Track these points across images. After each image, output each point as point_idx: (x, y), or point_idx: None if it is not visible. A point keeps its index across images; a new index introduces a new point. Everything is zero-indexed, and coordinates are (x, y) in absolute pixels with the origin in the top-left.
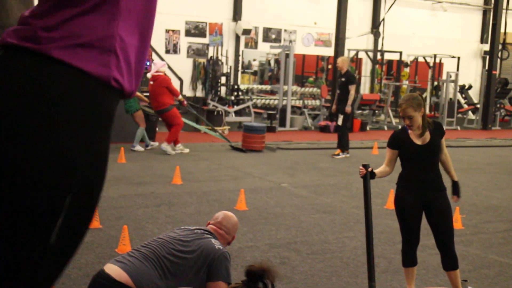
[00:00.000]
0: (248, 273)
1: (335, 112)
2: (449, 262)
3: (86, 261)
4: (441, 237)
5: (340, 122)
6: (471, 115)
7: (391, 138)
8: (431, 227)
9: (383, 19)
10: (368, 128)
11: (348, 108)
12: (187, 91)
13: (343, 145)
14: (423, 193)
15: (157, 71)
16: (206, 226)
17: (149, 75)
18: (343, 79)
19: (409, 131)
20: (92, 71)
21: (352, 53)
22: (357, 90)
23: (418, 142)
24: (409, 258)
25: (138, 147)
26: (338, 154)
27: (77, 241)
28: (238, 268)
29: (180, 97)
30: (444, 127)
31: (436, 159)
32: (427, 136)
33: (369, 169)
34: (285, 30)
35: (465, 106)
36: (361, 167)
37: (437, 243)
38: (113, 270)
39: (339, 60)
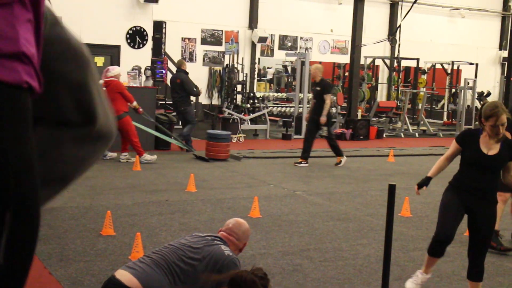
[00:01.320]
0: (232, 282)
1: (308, 122)
2: (476, 273)
3: (99, 268)
4: (476, 247)
5: (325, 133)
6: None
7: (462, 134)
8: (470, 234)
9: (399, 26)
10: (384, 135)
11: (322, 119)
12: (203, 99)
13: (339, 152)
14: (471, 199)
15: (109, 76)
16: (218, 233)
17: (101, 80)
18: (318, 88)
19: (482, 136)
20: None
21: (369, 60)
22: (374, 97)
23: (485, 150)
24: (436, 251)
25: (110, 154)
26: (340, 162)
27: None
28: None
29: (134, 103)
30: None
31: (497, 173)
32: (497, 147)
33: (424, 188)
34: (301, 38)
35: None
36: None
37: (469, 251)
38: (124, 276)
39: (312, 68)
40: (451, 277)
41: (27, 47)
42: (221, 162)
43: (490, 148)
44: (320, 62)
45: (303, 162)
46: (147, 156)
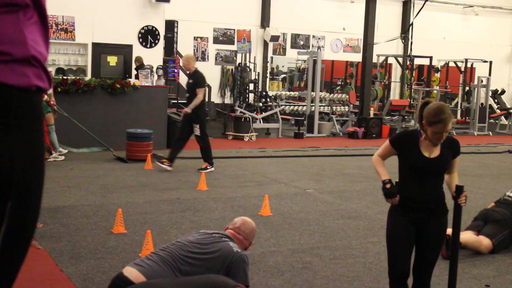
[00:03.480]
0: None
1: (184, 119)
2: None
3: (110, 265)
4: (428, 266)
5: (197, 132)
6: (503, 120)
7: (398, 137)
8: (419, 252)
9: (412, 24)
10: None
11: (186, 109)
12: (216, 98)
13: (208, 157)
14: (421, 216)
15: None
16: (224, 231)
17: None
18: (190, 81)
19: (421, 139)
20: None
21: (381, 59)
22: (386, 95)
23: (426, 153)
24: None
25: (61, 149)
26: (206, 168)
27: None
28: (260, 273)
29: (45, 97)
30: (476, 133)
31: (441, 177)
32: (438, 149)
33: (396, 198)
34: (314, 36)
35: (497, 111)
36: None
37: (417, 268)
38: (131, 273)
39: (184, 58)
40: (461, 275)
41: (36, 49)
42: (232, 160)
43: (431, 151)
44: (332, 61)
45: (165, 163)
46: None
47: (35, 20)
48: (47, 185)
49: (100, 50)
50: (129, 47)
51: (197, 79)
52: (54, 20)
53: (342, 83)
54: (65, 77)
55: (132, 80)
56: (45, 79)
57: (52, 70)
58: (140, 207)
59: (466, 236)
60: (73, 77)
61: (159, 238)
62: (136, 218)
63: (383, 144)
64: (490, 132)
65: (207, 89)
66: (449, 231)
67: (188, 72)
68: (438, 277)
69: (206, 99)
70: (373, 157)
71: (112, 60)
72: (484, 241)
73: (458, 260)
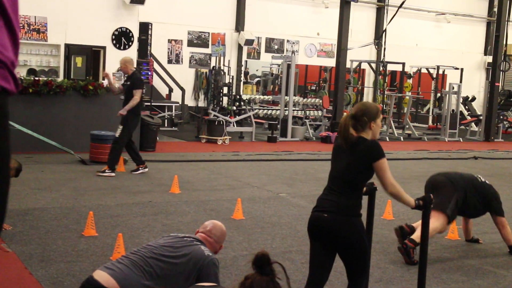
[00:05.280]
0: (257, 259)
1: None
2: None
3: (80, 268)
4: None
5: (117, 133)
6: (474, 127)
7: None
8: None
9: (385, 30)
10: None
11: (122, 112)
12: (189, 101)
13: (112, 161)
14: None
15: None
16: (195, 234)
17: None
18: (128, 83)
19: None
20: None
21: (355, 64)
22: (359, 100)
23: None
24: None
25: None
26: (104, 171)
27: None
28: (232, 276)
29: None
30: (446, 139)
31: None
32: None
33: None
34: (288, 41)
35: (468, 117)
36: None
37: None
38: (101, 276)
39: (121, 61)
40: (431, 279)
41: (2, 52)
42: (205, 164)
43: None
44: (306, 66)
45: (140, 168)
46: None
47: (1, 25)
48: (17, 187)
49: (72, 51)
50: (103, 48)
51: (134, 81)
52: (26, 21)
53: (316, 87)
54: (36, 78)
55: (105, 82)
56: (11, 81)
57: (23, 71)
58: (112, 210)
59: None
60: (45, 78)
61: (130, 241)
62: (108, 221)
63: (387, 163)
64: (461, 138)
65: (144, 91)
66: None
67: (126, 74)
68: (408, 282)
69: (180, 102)
70: (393, 182)
71: (79, 61)
72: (437, 222)
73: (426, 264)
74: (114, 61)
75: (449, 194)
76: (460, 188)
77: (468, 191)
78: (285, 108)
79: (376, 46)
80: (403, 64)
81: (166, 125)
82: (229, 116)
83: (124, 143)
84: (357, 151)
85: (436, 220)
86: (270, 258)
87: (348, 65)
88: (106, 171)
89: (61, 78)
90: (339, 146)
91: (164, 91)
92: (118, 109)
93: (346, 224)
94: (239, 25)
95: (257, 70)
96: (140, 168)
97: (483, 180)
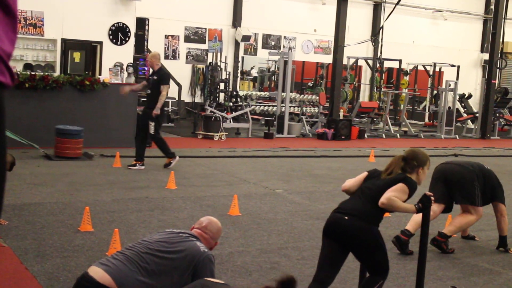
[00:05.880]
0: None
1: (143, 116)
2: None
3: (76, 263)
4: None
5: (152, 130)
6: (470, 124)
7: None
8: None
9: (382, 27)
10: (366, 135)
11: (155, 111)
12: (186, 97)
13: (168, 153)
14: None
15: None
16: (191, 230)
17: None
18: (155, 77)
19: None
20: None
21: (352, 61)
22: (356, 97)
23: None
24: None
25: None
26: (170, 163)
27: None
28: (228, 273)
29: None
30: (443, 136)
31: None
32: None
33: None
34: (285, 37)
35: (464, 115)
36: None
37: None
38: (96, 272)
39: (149, 56)
40: (426, 276)
41: None
42: (202, 160)
43: None
44: (303, 62)
45: (137, 164)
46: None
47: None
48: (13, 182)
49: (69, 46)
50: (99, 43)
51: (161, 76)
52: (23, 15)
53: (314, 84)
54: (33, 73)
55: (102, 77)
56: (6, 74)
57: (19, 65)
58: (108, 205)
59: (457, 223)
60: (42, 73)
61: (126, 237)
62: (104, 216)
63: (405, 190)
64: (457, 136)
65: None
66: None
67: (152, 69)
68: (404, 278)
69: (177, 98)
70: (391, 198)
71: (77, 56)
72: (472, 216)
73: (426, 261)
74: (110, 56)
75: (471, 185)
76: (476, 176)
77: (480, 178)
78: (281, 105)
79: (373, 43)
80: (400, 61)
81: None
82: (225, 112)
83: (160, 135)
84: (395, 179)
85: (471, 214)
86: (296, 283)
87: (345, 61)
88: (172, 161)
89: (57, 73)
90: (373, 173)
91: None
92: (115, 105)
93: (364, 230)
94: (236, 21)
95: (253, 67)
96: (137, 165)
97: (488, 167)
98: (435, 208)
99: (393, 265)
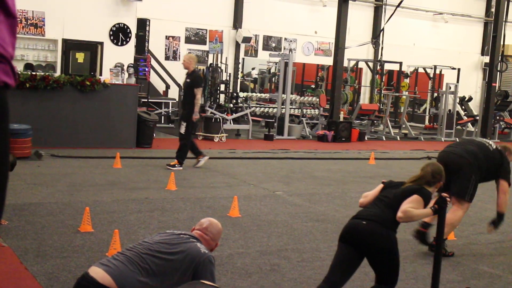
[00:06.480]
0: None
1: (180, 117)
2: None
3: (76, 264)
4: None
5: (182, 130)
6: (470, 127)
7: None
8: None
9: (383, 29)
10: (366, 138)
11: (195, 116)
12: None
13: (181, 156)
14: None
15: None
16: (191, 232)
17: None
18: (188, 80)
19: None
20: None
21: (352, 63)
22: (356, 99)
23: None
24: None
25: None
26: (174, 165)
27: None
28: (228, 274)
29: None
30: (443, 139)
31: None
32: None
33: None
34: (286, 39)
35: (465, 118)
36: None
37: None
38: (97, 273)
39: (185, 57)
40: (426, 279)
41: (3, 46)
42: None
43: None
44: (304, 64)
45: (176, 165)
46: None
47: (1, 19)
48: (13, 182)
49: (69, 46)
50: (100, 44)
51: (194, 79)
52: (24, 15)
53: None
54: (34, 73)
55: (102, 78)
56: (11, 76)
57: (20, 65)
58: (108, 206)
59: (448, 221)
60: (42, 73)
61: (126, 238)
62: (104, 217)
63: (420, 202)
64: (457, 138)
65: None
66: None
67: (187, 71)
68: (403, 281)
69: (177, 99)
70: (407, 210)
71: (80, 56)
72: (461, 211)
73: (441, 261)
74: (111, 56)
75: (466, 177)
76: (476, 167)
77: (483, 162)
78: (282, 106)
79: (374, 45)
80: (400, 63)
81: (162, 122)
82: (226, 113)
83: (190, 137)
84: (410, 190)
85: (459, 209)
86: None
87: (345, 63)
88: (176, 165)
89: (58, 73)
90: (389, 184)
91: (161, 87)
92: (116, 105)
93: (382, 235)
94: (237, 23)
95: (253, 69)
96: (200, 159)
97: (494, 147)
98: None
99: None
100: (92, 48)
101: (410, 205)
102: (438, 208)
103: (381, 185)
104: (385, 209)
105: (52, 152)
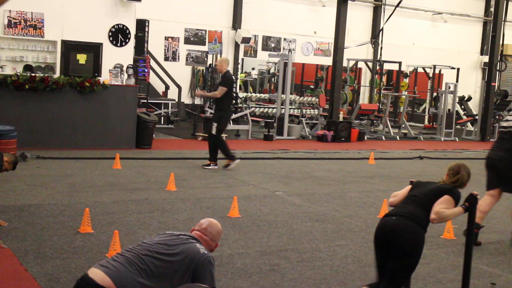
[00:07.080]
0: None
1: (211, 118)
2: None
3: (76, 265)
4: None
5: (214, 131)
6: (470, 127)
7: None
8: None
9: (382, 29)
10: (365, 138)
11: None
12: (186, 99)
13: (228, 155)
14: None
15: None
16: (191, 232)
17: None
18: (218, 82)
19: None
20: None
21: (352, 63)
22: (356, 99)
23: None
24: None
25: None
26: (229, 164)
27: None
28: (228, 275)
29: None
30: (442, 138)
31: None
32: None
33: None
34: (285, 39)
35: (464, 117)
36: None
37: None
38: (96, 274)
39: (218, 60)
40: (426, 279)
41: None
42: (201, 161)
43: None
44: (303, 64)
45: (212, 164)
46: None
47: None
48: (13, 183)
49: (69, 47)
50: (99, 45)
51: (222, 79)
52: (23, 16)
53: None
54: (33, 74)
55: (102, 79)
56: None
57: (20, 67)
58: (108, 207)
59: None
60: (42, 75)
61: (126, 239)
62: (104, 218)
63: (452, 202)
64: (457, 138)
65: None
66: None
67: (220, 73)
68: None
69: (177, 100)
70: (439, 211)
71: (82, 58)
72: (490, 198)
73: (471, 258)
74: (111, 57)
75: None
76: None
77: None
78: (281, 107)
79: (373, 45)
80: (400, 63)
81: (162, 123)
82: None
83: (221, 137)
84: (441, 190)
85: (490, 197)
86: None
87: (344, 63)
88: (211, 165)
89: (57, 74)
90: (417, 185)
91: (160, 88)
92: (115, 106)
93: (411, 229)
94: (236, 23)
95: (253, 69)
96: (211, 165)
97: None
98: (494, 193)
99: None
100: (95, 49)
101: (442, 206)
102: (469, 205)
103: (409, 186)
104: (416, 208)
105: (50, 155)
